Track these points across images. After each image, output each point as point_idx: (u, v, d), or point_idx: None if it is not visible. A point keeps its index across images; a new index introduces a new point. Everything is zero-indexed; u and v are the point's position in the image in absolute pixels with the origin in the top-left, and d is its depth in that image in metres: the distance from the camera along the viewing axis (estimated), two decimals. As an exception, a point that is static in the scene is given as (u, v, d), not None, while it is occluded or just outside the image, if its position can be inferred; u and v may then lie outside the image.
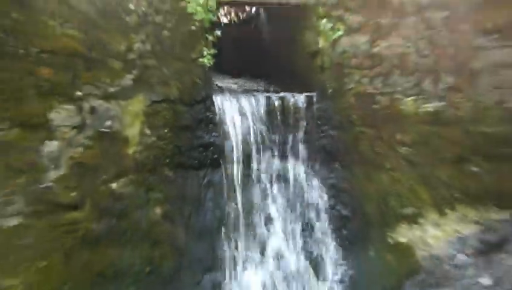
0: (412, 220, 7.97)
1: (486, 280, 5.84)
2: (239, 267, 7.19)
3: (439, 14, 8.02)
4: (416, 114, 8.16)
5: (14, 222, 6.36)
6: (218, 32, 7.29)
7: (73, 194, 6.61)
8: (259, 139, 7.45)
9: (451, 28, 8.06)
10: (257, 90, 7.99)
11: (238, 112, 7.35)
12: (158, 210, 6.84)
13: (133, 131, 6.86)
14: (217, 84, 7.50)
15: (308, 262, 7.54)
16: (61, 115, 6.61)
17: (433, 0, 7.98)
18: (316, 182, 7.69)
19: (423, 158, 8.13)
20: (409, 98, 8.16)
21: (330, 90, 7.81)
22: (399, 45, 8.17)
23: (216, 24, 7.46)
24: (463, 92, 8.00)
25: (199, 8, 7.01)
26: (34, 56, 6.47)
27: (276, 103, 7.58)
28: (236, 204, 7.26)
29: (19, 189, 6.37)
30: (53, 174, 6.53)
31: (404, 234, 7.88)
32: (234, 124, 7.32)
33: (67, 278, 6.49)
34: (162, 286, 6.70)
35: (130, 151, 6.81)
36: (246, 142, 7.35)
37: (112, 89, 6.83)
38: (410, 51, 8.16)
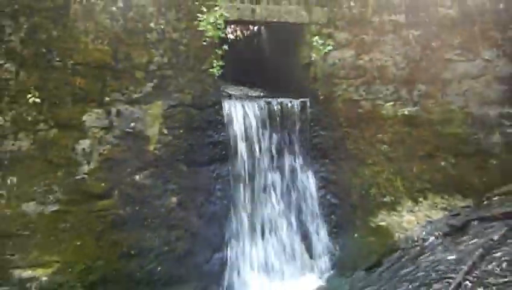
0: (391, 207, 8.18)
1: (452, 256, 6.01)
2: (243, 247, 7.38)
3: (414, 32, 8.17)
4: (394, 117, 8.41)
5: (54, 208, 6.60)
6: (226, 47, 7.44)
7: (103, 185, 6.83)
8: (261, 138, 7.63)
9: (424, 44, 8.15)
10: (259, 97, 8.16)
11: (243, 115, 7.52)
12: (174, 199, 7.03)
13: (153, 131, 7.07)
14: (224, 91, 7.63)
15: (302, 243, 7.72)
16: (93, 118, 6.85)
17: (408, 20, 8.15)
18: (309, 174, 7.86)
19: (399, 154, 8.38)
20: (388, 104, 8.40)
21: (321, 97, 8.02)
22: (379, 59, 8.40)
23: (224, 40, 7.63)
24: (434, 99, 8.19)
25: (210, 26, 7.23)
26: (70, 68, 6.71)
27: (276, 108, 7.73)
28: (241, 193, 7.43)
29: (57, 180, 6.59)
30: (86, 168, 6.78)
31: (383, 219, 8.07)
32: (240, 125, 7.50)
33: (99, 255, 6.70)
34: (177, 262, 6.91)
35: (151, 148, 7.01)
36: (249, 140, 7.52)
37: (135, 95, 7.05)
38: (389, 64, 8.39)
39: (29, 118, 6.67)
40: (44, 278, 6.50)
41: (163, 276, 6.92)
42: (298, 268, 7.63)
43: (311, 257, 7.76)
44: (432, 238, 7.46)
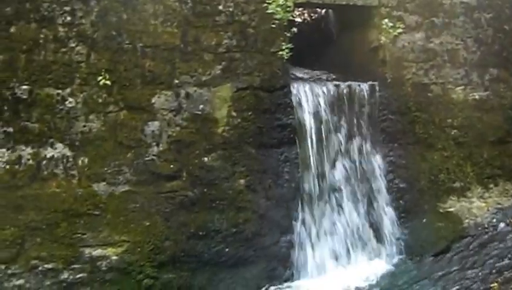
0: (460, 193, 7.84)
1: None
2: (310, 230, 7.15)
3: (486, 15, 7.75)
4: (465, 101, 8.04)
5: (123, 188, 6.43)
6: (294, 29, 7.18)
7: (171, 166, 6.60)
8: (329, 121, 7.35)
9: (496, 27, 7.72)
10: (327, 80, 7.88)
11: (311, 98, 7.25)
12: (242, 181, 6.75)
13: (221, 113, 6.80)
14: (293, 74, 7.31)
15: (369, 227, 7.43)
16: (162, 100, 6.63)
17: (480, 3, 7.71)
18: (377, 158, 7.56)
19: (469, 140, 8.02)
20: (459, 88, 8.05)
21: (390, 80, 7.66)
22: (450, 42, 8.06)
23: (292, 22, 7.36)
24: (506, 83, 7.81)
25: (279, 9, 6.93)
26: (140, 50, 6.54)
27: (344, 91, 7.45)
28: (309, 176, 7.13)
29: (127, 162, 6.42)
30: (155, 150, 6.56)
31: (453, 205, 7.77)
32: (308, 108, 7.24)
33: (167, 236, 6.52)
34: (245, 244, 6.69)
35: (219, 130, 6.75)
36: (318, 123, 7.22)
37: (204, 78, 6.80)
38: (460, 47, 8.04)
39: (100, 100, 6.51)
40: (114, 257, 6.38)
41: (231, 257, 6.71)
42: (366, 252, 7.39)
43: (379, 241, 7.47)
44: (502, 225, 7.27)
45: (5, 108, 6.25)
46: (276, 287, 6.69)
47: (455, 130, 8.00)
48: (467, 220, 7.62)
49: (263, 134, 6.82)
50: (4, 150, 6.22)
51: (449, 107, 8.01)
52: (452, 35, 8.02)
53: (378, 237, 7.40)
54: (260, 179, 6.79)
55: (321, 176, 7.19)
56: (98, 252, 6.33)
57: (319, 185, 7.16)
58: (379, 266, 7.20)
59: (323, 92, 7.29)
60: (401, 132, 7.63)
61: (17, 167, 6.25)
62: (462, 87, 8.07)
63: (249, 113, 6.83)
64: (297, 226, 6.93)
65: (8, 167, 6.23)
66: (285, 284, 6.75)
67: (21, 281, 6.12)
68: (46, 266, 6.19)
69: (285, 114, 6.99)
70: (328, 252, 7.13)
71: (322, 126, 7.26)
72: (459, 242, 7.25)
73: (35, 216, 6.20)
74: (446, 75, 8.03)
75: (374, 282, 6.82)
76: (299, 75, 7.60)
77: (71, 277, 6.24)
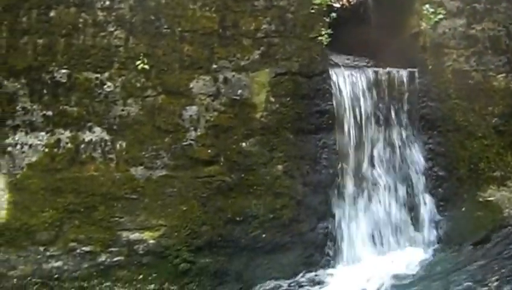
0: (500, 182, 7.52)
1: None
2: (348, 217, 6.98)
3: (530, 1, 7.40)
4: (506, 89, 7.69)
5: (161, 173, 6.37)
6: (333, 15, 7.02)
7: (209, 151, 6.50)
8: (368, 108, 7.17)
9: (540, 13, 7.37)
10: (366, 66, 7.68)
11: (350, 84, 7.07)
12: (280, 167, 6.60)
13: (259, 98, 6.66)
14: (332, 60, 7.11)
15: (407, 215, 7.24)
16: (200, 85, 6.54)
17: (524, -12, 7.35)
18: (416, 146, 7.34)
19: (510, 128, 7.67)
20: (500, 75, 7.69)
21: (430, 67, 7.39)
22: (492, 28, 7.69)
23: (331, 8, 7.25)
24: (550, 71, 7.34)
25: (318, -6, 6.43)
26: (178, 35, 6.47)
27: (383, 77, 7.24)
28: (347, 163, 6.98)
29: (165, 146, 6.36)
30: (193, 134, 6.48)
31: (492, 194, 7.47)
32: (347, 94, 7.07)
33: (204, 220, 6.45)
34: (282, 230, 6.58)
35: (257, 115, 6.62)
36: (356, 110, 7.08)
37: (242, 63, 6.65)
38: (502, 34, 7.69)
39: (138, 85, 6.45)
40: (151, 241, 6.34)
41: (268, 243, 6.58)
42: (403, 240, 7.19)
43: (416, 229, 7.25)
44: (545, 216, 6.41)
45: (45, 92, 6.26)
46: (312, 273, 6.56)
47: (496, 119, 7.66)
48: (507, 210, 7.30)
49: (301, 120, 6.66)
50: (43, 133, 6.22)
51: (490, 94, 7.67)
52: (494, 21, 7.69)
53: (416, 225, 7.20)
54: (298, 164, 6.63)
55: (359, 162, 7.02)
56: (135, 235, 6.29)
57: (356, 172, 6.98)
58: (416, 254, 6.98)
59: (362, 79, 7.11)
60: (441, 119, 7.37)
61: (56, 150, 6.24)
62: (503, 74, 7.72)
63: (287, 99, 6.66)
64: (335, 212, 6.79)
65: (47, 150, 6.23)
66: (322, 271, 6.63)
67: (59, 263, 6.15)
68: (84, 248, 6.21)
69: (324, 100, 6.82)
70: (365, 239, 6.98)
71: (361, 113, 7.08)
72: (498, 232, 6.92)
73: (73, 199, 6.20)
74: (487, 62, 7.69)
75: (411, 270, 6.62)
76: (338, 61, 7.39)
77: (108, 260, 6.24)
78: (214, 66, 6.53)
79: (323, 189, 6.73)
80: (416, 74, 7.38)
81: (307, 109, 6.72)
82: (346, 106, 7.01)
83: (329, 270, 6.66)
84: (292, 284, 6.42)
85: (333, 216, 6.77)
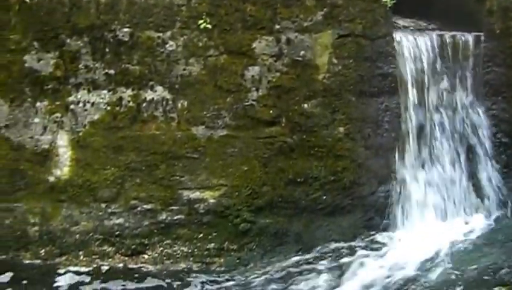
0: None
1: None
2: (409, 182, 6.81)
3: None
4: None
5: (222, 133, 6.25)
6: (399, -24, 6.37)
7: (271, 112, 6.33)
8: (431, 71, 6.88)
9: None
10: (430, 29, 7.41)
11: (413, 47, 6.82)
12: (341, 129, 6.41)
13: (322, 60, 6.42)
14: (395, 23, 6.90)
15: (469, 181, 7.00)
16: (263, 45, 6.32)
17: None
18: (479, 111, 7.07)
19: None
20: None
21: (497, 32, 7.03)
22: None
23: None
24: None
25: (383, -45, 6.14)
26: (241, -6, 5.78)
27: (448, 41, 6.93)
28: (409, 127, 6.76)
29: (226, 106, 6.21)
30: (255, 95, 6.30)
31: (557, 160, 6.72)
32: (410, 57, 6.79)
33: (265, 181, 6.30)
34: (342, 192, 6.44)
35: (320, 77, 6.39)
36: (419, 73, 6.81)
37: (305, 24, 6.41)
38: None
39: (200, 44, 6.27)
40: (211, 201, 6.24)
41: (328, 205, 6.45)
42: (465, 207, 6.98)
43: (478, 196, 7.03)
44: None
45: (107, 50, 6.16)
46: (372, 237, 6.44)
47: None
48: None
49: (364, 82, 6.41)
50: (105, 91, 6.14)
51: (557, 60, 6.95)
52: None
53: (478, 191, 6.99)
54: (359, 127, 6.43)
55: (421, 127, 6.79)
56: (195, 195, 6.21)
57: (418, 137, 6.75)
58: (478, 220, 6.84)
59: (426, 42, 6.83)
60: (506, 85, 7.06)
61: (118, 108, 6.15)
62: None
63: (350, 61, 6.42)
64: (396, 176, 6.58)
65: (109, 108, 6.15)
66: (381, 235, 6.50)
67: (120, 220, 6.12)
68: (145, 206, 6.16)
69: (387, 63, 6.55)
70: (425, 204, 6.79)
71: (424, 77, 6.80)
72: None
73: (135, 157, 6.13)
74: (557, 26, 6.95)
75: (472, 236, 6.52)
76: (402, 23, 7.16)
77: (169, 218, 6.19)
78: (277, 26, 6.29)
79: (384, 152, 6.52)
80: (482, 38, 7.04)
81: (369, 72, 6.48)
82: (409, 69, 6.76)
83: (389, 234, 6.53)
84: (352, 247, 6.30)
85: (394, 180, 6.55)
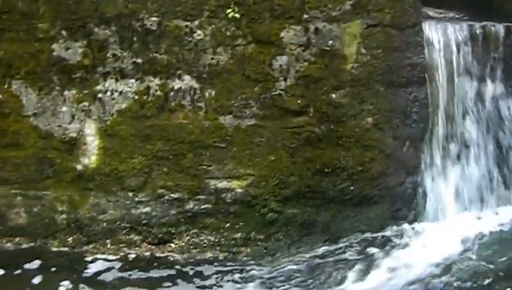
0: None
1: None
2: (437, 173, 6.76)
3: None
4: None
5: (250, 122, 6.20)
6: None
7: (299, 101, 6.27)
8: (461, 62, 6.80)
9: None
10: (460, 19, 7.36)
11: (443, 37, 6.75)
12: (369, 120, 6.32)
13: (350, 50, 6.34)
14: (424, 12, 6.82)
15: (499, 173, 6.93)
16: (291, 34, 6.26)
17: None
18: (509, 102, 6.98)
19: None
20: None
21: (528, 22, 6.59)
22: None
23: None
24: None
25: None
26: (269, -17, 5.72)
27: (478, 31, 6.84)
28: (438, 117, 6.68)
29: (254, 95, 6.16)
30: (282, 84, 6.24)
31: None
32: (439, 47, 6.74)
33: (292, 171, 6.26)
34: (370, 183, 6.37)
35: (348, 67, 6.31)
36: (448, 64, 6.71)
37: (334, 13, 6.34)
38: None
39: (228, 33, 6.22)
40: (239, 190, 6.21)
41: (356, 196, 6.39)
42: (493, 198, 6.92)
43: (507, 187, 6.97)
44: None
45: (135, 39, 6.14)
46: (399, 228, 6.39)
47: None
48: None
49: (392, 72, 6.33)
50: (133, 80, 6.12)
51: None
52: None
53: (507, 183, 6.93)
54: (388, 117, 6.35)
55: (450, 118, 6.73)
56: (223, 184, 6.20)
57: (447, 128, 6.72)
58: (506, 213, 6.76)
59: (456, 32, 6.77)
60: (539, 76, 6.55)
61: (145, 97, 6.15)
62: None
63: (379, 51, 6.33)
64: (424, 167, 6.54)
65: (136, 97, 6.14)
66: (409, 226, 6.44)
67: (148, 209, 6.13)
68: (172, 195, 6.17)
69: (416, 53, 6.47)
70: (453, 196, 6.76)
71: (453, 67, 6.73)
72: None
73: (162, 146, 6.13)
74: None
75: (501, 228, 6.46)
76: (431, 13, 7.10)
77: (196, 207, 6.19)
78: (305, 16, 6.23)
79: (412, 143, 6.45)
80: (513, 29, 6.64)
81: (398, 62, 6.39)
82: (439, 60, 6.68)
83: (417, 226, 6.47)
84: (379, 238, 6.26)
85: (422, 171, 6.50)
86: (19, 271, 5.71)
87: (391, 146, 6.40)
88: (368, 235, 6.30)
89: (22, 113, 6.14)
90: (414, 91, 6.50)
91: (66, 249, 6.04)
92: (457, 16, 7.40)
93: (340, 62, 6.34)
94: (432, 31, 6.72)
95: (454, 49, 6.78)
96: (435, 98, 6.68)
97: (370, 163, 6.35)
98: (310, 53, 6.30)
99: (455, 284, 5.39)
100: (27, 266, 5.79)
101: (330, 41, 6.34)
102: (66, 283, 5.56)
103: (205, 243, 6.09)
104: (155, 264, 5.93)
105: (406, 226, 6.43)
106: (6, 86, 6.10)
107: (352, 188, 6.36)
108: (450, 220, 6.54)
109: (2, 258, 5.81)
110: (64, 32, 6.00)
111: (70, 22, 6.04)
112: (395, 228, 6.41)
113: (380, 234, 6.32)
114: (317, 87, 6.28)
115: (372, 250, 6.08)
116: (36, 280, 5.59)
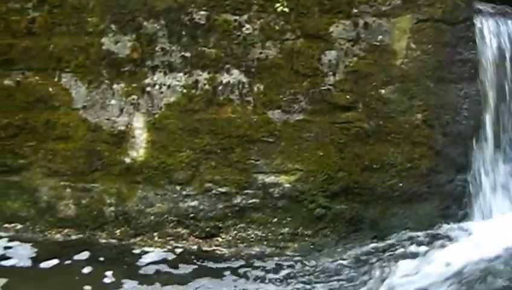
0: None
1: None
2: (488, 171, 6.62)
3: None
4: None
5: (298, 117, 6.18)
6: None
7: (347, 97, 6.23)
8: (513, 58, 6.19)
9: None
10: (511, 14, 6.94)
11: (495, 32, 6.58)
12: (419, 116, 6.24)
13: (400, 45, 6.28)
14: (476, 7, 6.69)
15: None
16: (340, 29, 6.22)
17: None
18: (563, 101, 6.39)
19: None
20: None
21: None
22: None
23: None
24: None
25: None
26: (319, -22, 5.67)
27: (531, 26, 6.21)
28: (488, 115, 6.55)
29: (302, 90, 6.15)
30: (331, 79, 6.21)
31: None
32: (491, 43, 6.56)
33: (341, 166, 6.22)
34: (419, 180, 6.32)
35: (397, 62, 6.25)
36: (501, 60, 6.57)
37: (384, 8, 6.28)
38: None
39: (277, 27, 6.21)
40: (287, 185, 6.20)
41: (404, 193, 6.31)
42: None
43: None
44: None
45: (183, 33, 6.17)
46: (449, 226, 6.28)
47: None
48: None
49: (442, 68, 6.22)
50: (181, 74, 6.15)
51: None
52: None
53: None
54: (438, 114, 6.26)
55: (502, 115, 6.57)
56: (270, 179, 6.19)
57: (498, 125, 6.54)
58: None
59: (509, 27, 6.59)
60: None
61: (193, 91, 6.18)
62: None
63: (429, 46, 6.24)
64: (474, 165, 6.40)
65: (185, 91, 6.17)
66: (459, 224, 6.33)
67: (195, 203, 6.16)
68: (219, 189, 6.18)
69: (467, 48, 6.36)
70: (505, 194, 6.60)
71: (506, 63, 6.55)
72: None
73: (210, 140, 6.15)
74: None
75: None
76: (482, 8, 6.89)
77: (244, 202, 6.19)
78: (355, 10, 6.19)
79: (463, 140, 6.34)
80: None
81: (448, 58, 6.29)
82: (490, 56, 6.52)
83: (466, 224, 6.34)
84: (428, 236, 6.17)
85: (472, 169, 6.36)
86: (69, 261, 5.82)
87: (441, 143, 6.31)
88: (416, 232, 6.24)
89: (72, 106, 6.17)
90: (465, 87, 6.40)
91: (113, 241, 6.09)
92: (510, 11, 7.11)
93: (389, 57, 6.28)
94: (484, 26, 6.59)
95: (507, 44, 6.63)
96: (485, 94, 6.51)
97: (419, 160, 6.27)
98: (359, 48, 6.25)
99: (506, 283, 5.19)
100: (76, 257, 5.90)
101: (380, 36, 6.28)
102: (115, 274, 5.67)
103: (252, 237, 6.07)
104: (202, 258, 5.95)
105: (455, 224, 6.33)
106: (56, 79, 6.11)
107: (401, 184, 6.29)
108: (501, 219, 6.43)
109: (54, 249, 5.92)
110: (113, 26, 6.04)
111: (119, 15, 6.08)
112: (444, 226, 6.32)
113: (429, 231, 6.24)
114: (367, 83, 6.23)
115: (421, 248, 6.03)
116: (86, 270, 5.68)
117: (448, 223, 6.36)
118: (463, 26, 6.38)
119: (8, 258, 5.90)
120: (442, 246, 5.91)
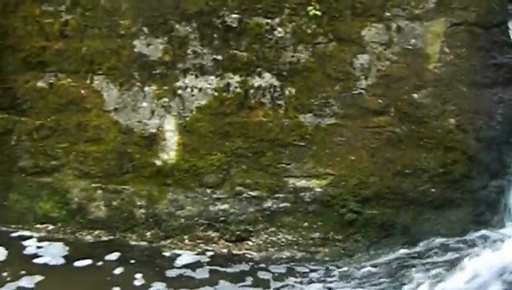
0: None
1: None
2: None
3: None
4: None
5: (330, 121, 6.15)
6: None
7: (380, 101, 6.17)
8: (548, 62, 6.11)
9: None
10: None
11: (530, 36, 6.07)
12: (452, 121, 6.16)
13: (433, 49, 6.20)
14: (511, 10, 6.60)
15: None
16: (372, 33, 6.16)
17: None
18: None
19: None
20: None
21: None
22: None
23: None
24: None
25: None
26: (355, -19, 5.66)
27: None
28: (523, 120, 6.01)
29: (334, 94, 6.09)
30: (363, 83, 6.15)
31: None
32: (526, 47, 6.04)
33: (373, 171, 6.16)
34: (452, 185, 6.22)
35: (430, 66, 6.17)
36: (536, 64, 6.08)
37: (417, 11, 6.22)
38: None
39: (309, 31, 6.17)
40: (318, 189, 6.16)
41: (437, 198, 6.22)
42: None
43: None
44: None
45: (215, 36, 6.16)
46: (482, 233, 6.16)
47: None
48: None
49: (476, 72, 6.14)
50: (213, 77, 6.14)
51: None
52: None
53: None
54: (471, 119, 6.17)
55: (535, 120, 6.15)
56: (302, 183, 6.15)
57: (533, 129, 6.13)
58: None
59: (544, 31, 6.12)
60: None
61: (225, 94, 6.16)
62: None
63: (463, 50, 6.16)
64: (508, 171, 6.24)
65: (216, 94, 6.15)
66: (493, 231, 6.21)
67: (226, 206, 6.14)
68: (250, 193, 6.15)
69: (501, 53, 6.25)
70: (540, 201, 6.00)
71: (541, 68, 6.10)
72: None
73: (241, 144, 6.12)
74: None
75: None
76: (517, 12, 6.72)
77: (274, 206, 6.15)
78: (387, 14, 6.12)
79: (497, 145, 6.24)
80: None
81: (482, 62, 6.20)
82: (526, 60, 6.06)
83: (501, 231, 6.22)
84: (461, 242, 6.06)
85: (507, 174, 6.22)
86: (101, 262, 5.86)
87: (474, 148, 6.22)
88: (448, 239, 6.13)
89: (103, 108, 6.19)
90: (499, 92, 6.30)
91: (144, 243, 6.10)
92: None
93: (422, 61, 6.21)
94: (519, 30, 6.17)
95: (543, 49, 6.21)
96: (520, 99, 6.19)
97: (452, 165, 6.19)
98: (392, 52, 6.20)
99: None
100: (107, 257, 5.93)
101: (412, 40, 6.22)
102: (145, 276, 5.70)
103: (283, 241, 6.06)
104: (232, 261, 5.92)
105: (489, 231, 6.21)
106: (88, 82, 6.15)
107: (433, 190, 6.21)
108: (535, 226, 6.00)
109: (85, 250, 5.94)
110: (145, 29, 6.05)
111: (151, 18, 6.10)
112: (477, 232, 6.18)
113: (461, 238, 6.13)
114: (399, 87, 6.17)
115: (453, 254, 5.92)
116: (117, 271, 5.73)
117: (482, 230, 6.24)
118: (497, 30, 6.30)
119: (40, 256, 5.83)
120: (475, 253, 5.72)
